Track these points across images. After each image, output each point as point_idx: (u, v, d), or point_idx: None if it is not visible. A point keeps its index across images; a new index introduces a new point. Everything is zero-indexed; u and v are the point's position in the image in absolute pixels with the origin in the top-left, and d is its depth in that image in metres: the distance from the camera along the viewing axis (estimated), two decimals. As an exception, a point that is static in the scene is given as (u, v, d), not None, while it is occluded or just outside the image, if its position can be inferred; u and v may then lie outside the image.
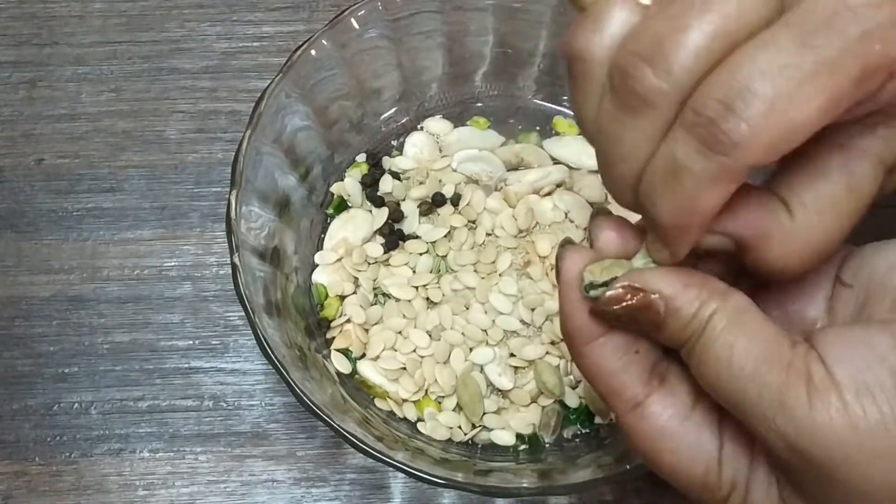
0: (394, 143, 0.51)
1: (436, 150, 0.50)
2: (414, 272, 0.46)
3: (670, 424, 0.27)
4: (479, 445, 0.44)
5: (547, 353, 0.44)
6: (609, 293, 0.27)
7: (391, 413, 0.45)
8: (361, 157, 0.50)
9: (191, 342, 0.50)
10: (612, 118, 0.26)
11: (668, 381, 0.28)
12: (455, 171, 0.49)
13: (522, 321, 0.45)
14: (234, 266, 0.40)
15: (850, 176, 0.26)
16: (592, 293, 0.28)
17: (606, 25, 0.26)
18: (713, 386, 0.26)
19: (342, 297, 0.47)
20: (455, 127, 0.51)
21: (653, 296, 0.27)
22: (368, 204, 0.49)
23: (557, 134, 0.51)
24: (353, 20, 0.45)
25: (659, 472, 0.28)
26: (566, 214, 0.48)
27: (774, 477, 0.27)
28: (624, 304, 0.27)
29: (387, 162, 0.50)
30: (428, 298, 0.46)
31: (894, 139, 0.26)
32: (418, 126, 0.51)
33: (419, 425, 0.44)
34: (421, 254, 0.47)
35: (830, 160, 0.26)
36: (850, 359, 0.24)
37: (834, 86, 0.23)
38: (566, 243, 0.29)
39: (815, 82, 0.23)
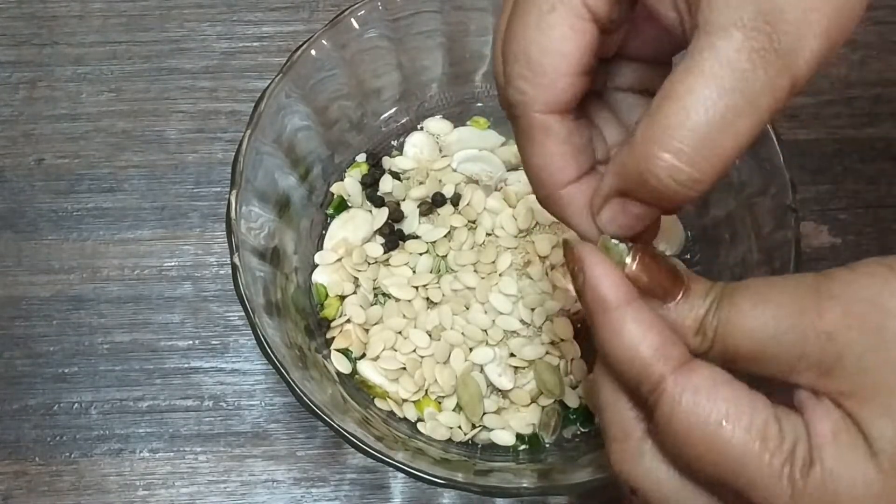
0: (394, 143, 0.51)
1: (436, 150, 0.50)
2: (414, 272, 0.46)
3: (722, 376, 0.25)
4: (479, 445, 0.44)
5: (547, 353, 0.44)
6: (635, 250, 0.27)
7: (391, 413, 0.45)
8: (361, 157, 0.50)
9: (191, 342, 0.50)
10: None
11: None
12: (455, 171, 0.49)
13: (522, 321, 0.45)
14: (234, 266, 0.40)
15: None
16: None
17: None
18: (748, 340, 0.25)
19: (342, 297, 0.47)
20: (455, 127, 0.51)
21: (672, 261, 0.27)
22: (368, 204, 0.49)
23: (557, 134, 0.51)
24: (353, 20, 0.45)
25: (710, 435, 0.24)
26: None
27: (834, 413, 0.24)
28: (650, 261, 0.27)
29: (387, 162, 0.50)
30: (428, 298, 0.46)
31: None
32: (418, 126, 0.51)
33: (419, 425, 0.44)
34: (421, 254, 0.47)
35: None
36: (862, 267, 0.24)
37: (553, 18, 0.26)
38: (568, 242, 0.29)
39: (536, 21, 0.26)
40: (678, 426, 0.25)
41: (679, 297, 0.26)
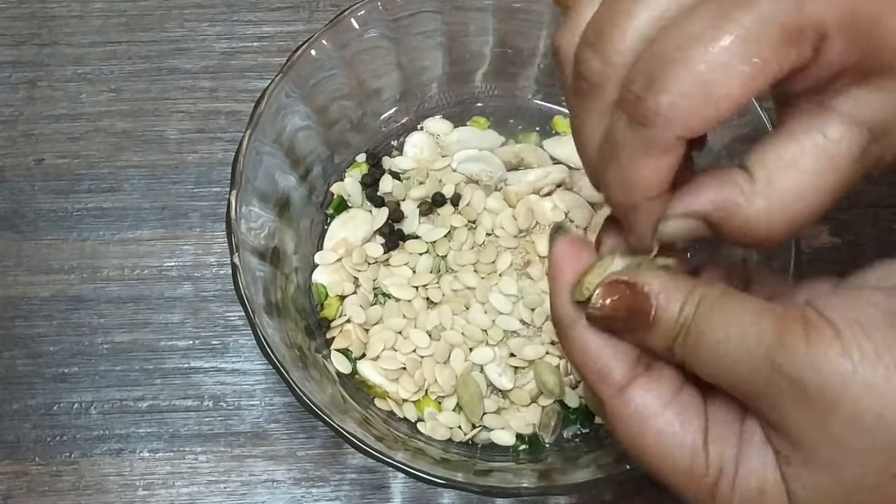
0: (394, 143, 0.51)
1: (436, 150, 0.50)
2: (414, 272, 0.46)
3: (654, 407, 0.27)
4: (479, 445, 0.44)
5: (547, 353, 0.44)
6: (603, 287, 0.28)
7: (391, 413, 0.45)
8: (361, 157, 0.50)
9: (191, 342, 0.50)
10: (573, 105, 0.27)
11: (654, 367, 0.28)
12: (455, 171, 0.49)
13: (522, 321, 0.45)
14: (234, 266, 0.40)
15: (818, 136, 0.26)
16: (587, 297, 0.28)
17: (575, 20, 0.27)
18: (711, 364, 0.26)
19: (342, 297, 0.47)
20: (455, 127, 0.51)
21: (644, 287, 0.27)
22: (368, 204, 0.49)
23: (557, 134, 0.51)
24: (353, 20, 0.45)
25: (643, 461, 0.28)
26: (566, 214, 0.48)
27: (770, 445, 0.26)
28: (617, 297, 0.27)
29: (387, 162, 0.50)
30: (428, 298, 0.46)
31: (868, 99, 0.26)
32: (418, 126, 0.51)
33: (419, 425, 0.44)
34: (421, 254, 0.47)
35: (794, 123, 0.27)
36: (843, 306, 0.25)
37: (755, 52, 0.24)
38: (558, 229, 0.30)
39: (733, 51, 0.24)
40: (624, 440, 0.28)
41: (646, 328, 0.28)
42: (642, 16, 0.25)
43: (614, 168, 0.26)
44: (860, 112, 0.26)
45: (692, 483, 0.27)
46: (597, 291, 0.28)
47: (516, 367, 0.44)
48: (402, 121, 0.51)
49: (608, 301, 0.28)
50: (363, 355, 0.45)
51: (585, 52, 0.26)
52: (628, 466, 0.38)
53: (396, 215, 0.48)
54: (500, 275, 0.46)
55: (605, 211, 0.48)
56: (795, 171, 0.26)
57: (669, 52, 0.24)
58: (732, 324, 0.26)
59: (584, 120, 0.27)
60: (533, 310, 0.45)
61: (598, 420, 0.45)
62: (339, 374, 0.45)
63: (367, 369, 0.45)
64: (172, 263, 0.51)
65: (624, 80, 0.25)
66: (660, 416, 0.27)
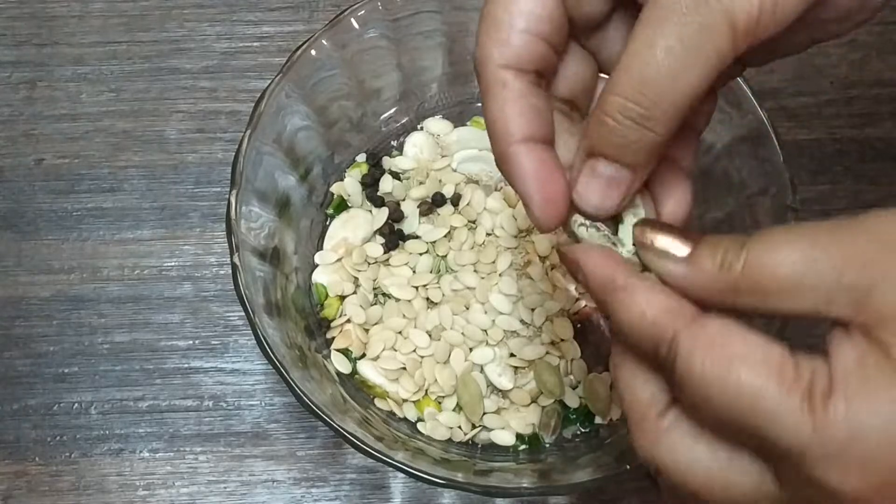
0: (394, 143, 0.51)
1: (436, 150, 0.50)
2: (414, 272, 0.46)
3: (735, 326, 0.25)
4: (479, 445, 0.44)
5: (547, 353, 0.44)
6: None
7: (391, 413, 0.45)
8: (361, 157, 0.50)
9: (191, 342, 0.50)
10: None
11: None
12: (455, 171, 0.49)
13: (522, 321, 0.45)
14: (234, 266, 0.40)
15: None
16: (580, 230, 0.29)
17: None
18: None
19: (342, 297, 0.47)
20: (455, 127, 0.51)
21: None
22: (368, 204, 0.49)
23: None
24: (353, 20, 0.45)
25: (723, 384, 0.24)
26: (566, 214, 0.48)
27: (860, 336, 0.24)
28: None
29: (387, 162, 0.50)
30: (428, 298, 0.46)
31: None
32: (418, 126, 0.51)
33: (419, 425, 0.44)
34: (421, 254, 0.47)
35: None
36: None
37: None
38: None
39: None
40: (696, 376, 0.25)
41: (691, 246, 0.27)
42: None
43: (485, 124, 0.30)
44: None
45: (783, 390, 0.24)
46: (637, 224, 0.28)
47: (516, 367, 0.44)
48: (402, 121, 0.51)
49: (642, 228, 0.28)
50: (363, 355, 0.45)
51: None
52: (628, 466, 0.38)
53: (396, 215, 0.48)
54: (500, 275, 0.46)
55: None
56: (623, 58, 0.26)
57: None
58: (794, 233, 0.25)
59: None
60: (533, 310, 0.45)
61: (598, 420, 0.45)
62: (339, 374, 0.45)
63: (367, 369, 0.45)
64: (172, 263, 0.51)
65: None
66: (739, 331, 0.25)
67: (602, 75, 0.32)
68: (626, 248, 0.28)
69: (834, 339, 0.24)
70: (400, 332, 0.45)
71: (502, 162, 0.30)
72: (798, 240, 0.24)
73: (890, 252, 0.24)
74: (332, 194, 0.49)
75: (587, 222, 0.29)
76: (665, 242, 0.27)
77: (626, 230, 0.29)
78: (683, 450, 0.26)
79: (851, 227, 0.24)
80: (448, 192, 0.48)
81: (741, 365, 0.24)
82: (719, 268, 0.26)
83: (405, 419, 0.45)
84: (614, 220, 0.29)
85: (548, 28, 0.28)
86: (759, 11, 0.25)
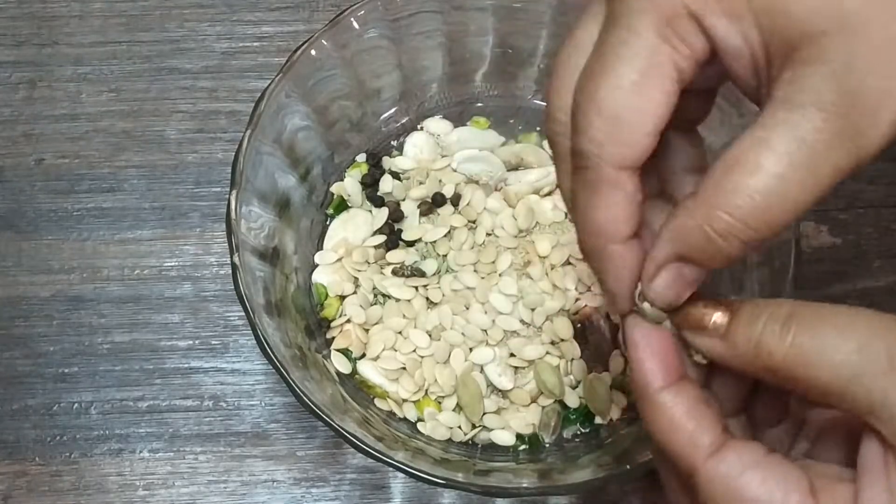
0: (394, 143, 0.51)
1: (436, 150, 0.50)
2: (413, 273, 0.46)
3: (753, 458, 0.26)
4: (479, 445, 0.44)
5: (547, 353, 0.44)
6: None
7: (391, 413, 0.45)
8: (361, 157, 0.50)
9: (191, 342, 0.50)
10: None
11: (737, 436, 0.28)
12: (455, 171, 0.49)
13: (522, 321, 0.45)
14: (234, 266, 0.40)
15: (758, 130, 0.25)
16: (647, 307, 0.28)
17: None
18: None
19: (342, 297, 0.47)
20: (455, 127, 0.51)
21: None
22: (368, 204, 0.49)
23: (557, 134, 0.51)
24: (353, 20, 0.45)
25: None
26: (566, 214, 0.48)
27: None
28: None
29: (387, 162, 0.50)
30: (428, 298, 0.46)
31: (795, 78, 0.24)
32: (418, 126, 0.51)
33: (419, 425, 0.44)
34: (424, 257, 0.47)
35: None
36: None
37: (643, 68, 0.26)
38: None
39: (625, 76, 0.26)
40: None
41: (727, 319, 0.27)
42: (565, 75, 0.28)
43: (576, 216, 0.28)
44: (803, 94, 0.24)
45: None
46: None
47: (516, 367, 0.44)
48: (402, 121, 0.51)
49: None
50: (363, 355, 0.45)
51: (546, 120, 0.29)
52: (628, 466, 0.38)
53: (396, 215, 0.48)
54: (500, 275, 0.46)
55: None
56: (734, 169, 0.24)
57: (579, 95, 0.27)
58: (844, 328, 0.24)
59: (561, 180, 0.29)
60: (533, 310, 0.45)
61: (597, 420, 0.45)
62: (339, 374, 0.45)
63: (367, 369, 0.45)
64: (172, 263, 0.51)
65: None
66: (761, 464, 0.26)
67: None
68: None
69: (867, 468, 0.25)
70: (400, 332, 0.45)
71: (596, 259, 0.28)
72: (848, 339, 0.24)
73: None
74: (332, 194, 0.49)
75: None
76: (699, 316, 0.27)
77: None
78: None
79: None
80: (448, 192, 0.48)
81: None
82: (755, 349, 0.26)
83: (405, 419, 0.45)
84: None
85: (665, 123, 0.27)
86: (877, 152, 0.24)
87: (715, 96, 0.31)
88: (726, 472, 0.25)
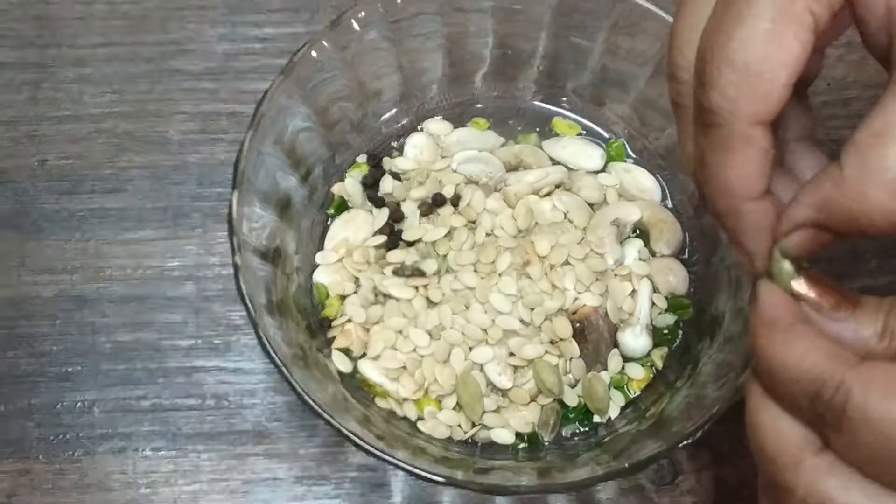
0: (394, 143, 0.51)
1: (436, 150, 0.51)
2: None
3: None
4: (479, 444, 0.45)
5: (546, 352, 0.45)
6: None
7: (391, 412, 0.45)
8: (362, 158, 0.50)
9: (193, 341, 0.50)
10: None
11: None
12: (455, 171, 0.50)
13: (522, 321, 0.45)
14: (235, 266, 0.40)
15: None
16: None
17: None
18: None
19: (343, 297, 0.47)
20: (455, 128, 0.51)
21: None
22: (369, 204, 0.49)
23: (557, 135, 0.52)
24: (353, 22, 0.46)
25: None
26: (565, 215, 0.48)
27: None
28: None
29: (387, 163, 0.50)
30: (428, 298, 0.46)
31: None
32: (418, 127, 0.51)
33: (419, 424, 0.45)
34: (424, 257, 0.47)
35: (884, 93, 0.25)
36: None
37: (776, 16, 0.24)
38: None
39: (757, 26, 0.24)
40: (876, 417, 0.24)
41: (851, 309, 0.26)
42: (687, 30, 0.26)
43: (707, 177, 0.27)
44: None
45: None
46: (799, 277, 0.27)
47: (516, 367, 0.45)
48: (403, 122, 0.51)
49: (811, 281, 0.27)
50: (364, 355, 0.46)
51: (668, 79, 0.28)
52: (627, 465, 0.38)
53: (397, 215, 0.48)
54: (499, 275, 0.46)
55: (603, 211, 0.48)
56: (884, 141, 0.23)
57: (707, 48, 0.25)
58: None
59: (683, 141, 0.28)
60: (532, 309, 0.45)
61: (596, 419, 0.45)
62: (339, 373, 0.45)
63: (367, 368, 0.45)
64: (175, 263, 0.52)
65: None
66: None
67: None
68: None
69: None
70: (400, 332, 0.45)
71: (732, 219, 0.27)
72: None
73: None
74: (333, 195, 0.49)
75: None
76: (826, 300, 0.26)
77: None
78: (844, 493, 0.25)
79: None
80: (448, 192, 0.48)
81: None
82: (880, 335, 0.25)
83: (405, 418, 0.45)
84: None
85: (799, 73, 0.25)
86: None
87: (823, 54, 0.29)
88: (881, 372, 0.24)
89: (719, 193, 0.27)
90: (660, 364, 0.46)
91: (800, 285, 0.27)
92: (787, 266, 0.27)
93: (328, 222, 0.49)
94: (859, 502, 0.25)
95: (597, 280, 0.46)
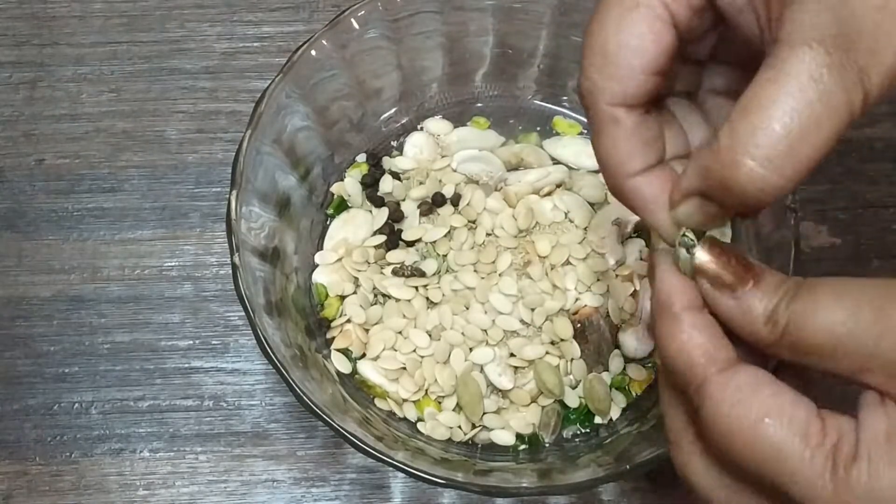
0: (394, 143, 0.51)
1: (436, 150, 0.50)
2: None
3: (761, 379, 0.26)
4: (479, 445, 0.44)
5: (547, 353, 0.44)
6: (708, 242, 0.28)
7: (391, 413, 0.45)
8: (361, 158, 0.50)
9: (191, 342, 0.50)
10: None
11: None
12: (455, 171, 0.49)
13: (522, 321, 0.45)
14: (234, 266, 0.40)
15: (768, 70, 0.25)
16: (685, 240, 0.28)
17: None
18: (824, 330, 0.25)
19: (342, 297, 0.47)
20: (455, 127, 0.51)
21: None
22: (368, 204, 0.49)
23: (557, 134, 0.51)
24: (353, 20, 0.45)
25: (742, 440, 0.25)
26: (566, 214, 0.48)
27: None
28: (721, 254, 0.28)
29: (387, 162, 0.50)
30: (428, 298, 0.46)
31: (802, 16, 0.25)
32: (418, 126, 0.51)
33: (419, 425, 0.44)
34: (424, 257, 0.47)
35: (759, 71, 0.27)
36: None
37: (634, 14, 0.27)
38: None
39: (613, 17, 0.27)
40: (720, 424, 0.25)
41: (749, 285, 0.27)
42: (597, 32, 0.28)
43: (595, 155, 0.29)
44: (803, 31, 0.24)
45: (807, 451, 0.24)
46: (701, 246, 0.28)
47: (516, 367, 0.44)
48: (402, 121, 0.51)
49: (713, 254, 0.27)
50: (363, 355, 0.45)
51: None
52: (628, 466, 0.38)
53: (396, 215, 0.48)
54: (500, 275, 0.46)
55: (604, 211, 0.48)
56: (752, 111, 0.24)
57: (583, 35, 0.28)
58: (841, 293, 0.25)
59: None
60: (533, 310, 0.45)
61: (597, 420, 0.45)
62: (339, 373, 0.45)
63: (367, 369, 0.45)
64: (173, 263, 0.51)
65: None
66: (772, 383, 0.26)
67: None
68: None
69: (866, 404, 0.25)
70: (400, 332, 0.45)
71: (619, 195, 0.29)
72: (843, 300, 0.25)
73: None
74: (333, 194, 0.49)
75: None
76: (727, 272, 0.27)
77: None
78: (709, 478, 0.27)
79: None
80: (448, 192, 0.48)
81: (767, 421, 0.25)
82: (766, 319, 0.26)
83: (405, 419, 0.45)
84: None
85: (661, 63, 0.27)
86: (885, 85, 0.25)
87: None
88: (738, 384, 0.25)
89: (602, 171, 0.29)
90: (661, 365, 0.46)
91: (700, 255, 0.28)
92: (689, 236, 0.28)
93: (327, 222, 0.49)
94: (713, 487, 0.27)
95: (598, 280, 0.46)
